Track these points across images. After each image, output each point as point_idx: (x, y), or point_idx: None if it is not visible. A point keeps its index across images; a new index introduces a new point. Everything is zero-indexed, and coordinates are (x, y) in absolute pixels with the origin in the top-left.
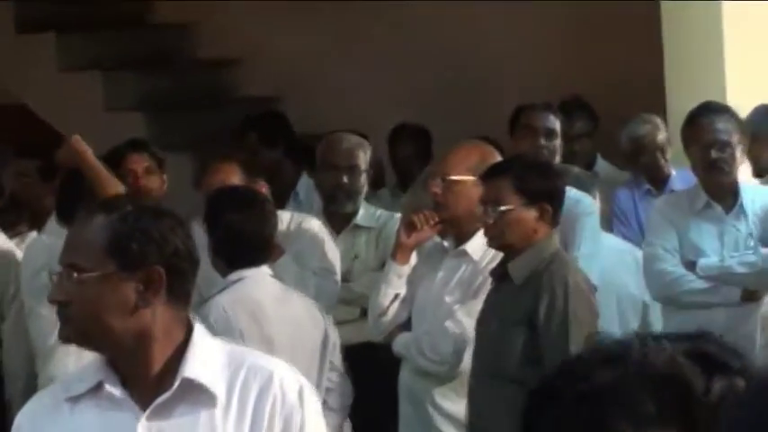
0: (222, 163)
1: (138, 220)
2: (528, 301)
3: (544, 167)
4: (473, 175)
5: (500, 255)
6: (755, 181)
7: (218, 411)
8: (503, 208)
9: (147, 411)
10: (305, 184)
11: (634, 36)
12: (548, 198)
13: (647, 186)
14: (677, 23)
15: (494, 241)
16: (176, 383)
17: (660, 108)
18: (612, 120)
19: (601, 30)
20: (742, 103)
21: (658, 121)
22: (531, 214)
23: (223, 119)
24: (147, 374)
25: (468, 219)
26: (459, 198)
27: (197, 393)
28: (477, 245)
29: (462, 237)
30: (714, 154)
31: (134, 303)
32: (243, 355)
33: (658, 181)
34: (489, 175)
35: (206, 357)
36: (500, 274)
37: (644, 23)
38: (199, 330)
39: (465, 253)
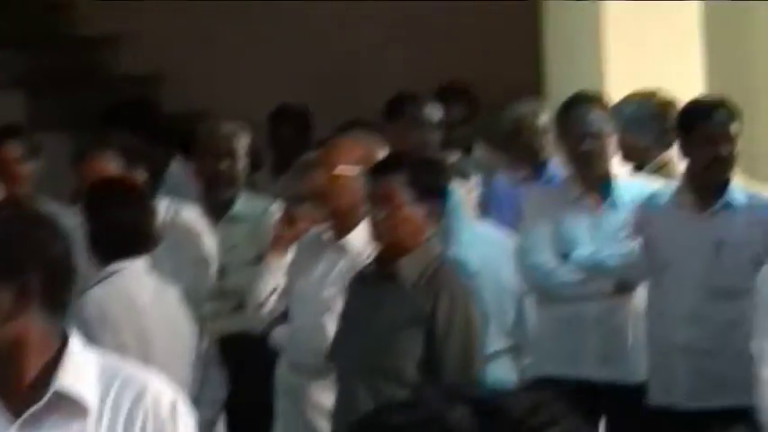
0: (100, 151)
1: (16, 227)
2: (422, 302)
3: (435, 164)
4: (358, 168)
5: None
6: (627, 171)
7: (90, 424)
8: (400, 207)
9: (18, 422)
10: (177, 168)
11: (515, 23)
12: (437, 195)
13: (525, 173)
14: (557, 15)
15: (382, 238)
16: (48, 394)
17: (541, 97)
18: (492, 108)
19: (481, 17)
20: (620, 92)
21: (541, 105)
22: (420, 212)
23: (103, 97)
24: (20, 384)
25: (350, 212)
26: (344, 191)
27: (69, 405)
28: (358, 239)
29: (343, 230)
30: (586, 145)
31: (8, 312)
32: (117, 366)
33: (536, 166)
34: (380, 171)
35: (80, 368)
36: (386, 272)
37: (524, 12)
38: (74, 341)
39: (345, 247)
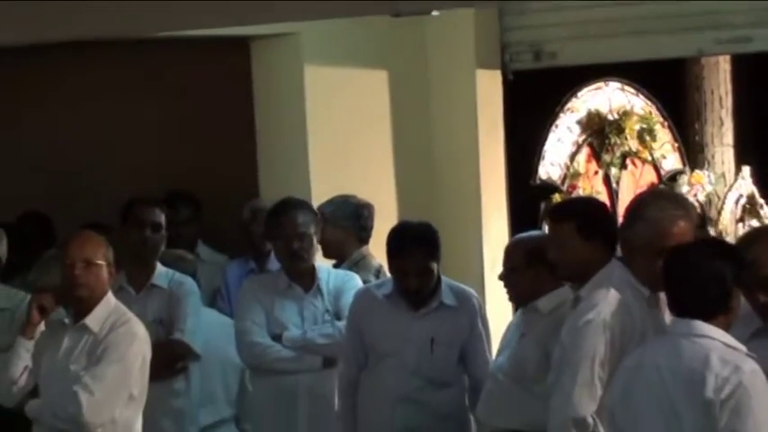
0: None
1: None
2: None
3: None
4: (105, 261)
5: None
6: (329, 263)
7: None
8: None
9: None
10: None
11: (232, 135)
12: None
13: (252, 266)
14: (269, 123)
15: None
16: None
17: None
18: (213, 209)
19: (204, 128)
20: (324, 192)
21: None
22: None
23: None
24: None
25: (96, 297)
26: (98, 280)
27: None
28: (97, 318)
29: (84, 312)
30: (295, 245)
31: None
32: None
33: (261, 256)
34: None
35: None
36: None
37: (241, 123)
38: None
39: (87, 326)
